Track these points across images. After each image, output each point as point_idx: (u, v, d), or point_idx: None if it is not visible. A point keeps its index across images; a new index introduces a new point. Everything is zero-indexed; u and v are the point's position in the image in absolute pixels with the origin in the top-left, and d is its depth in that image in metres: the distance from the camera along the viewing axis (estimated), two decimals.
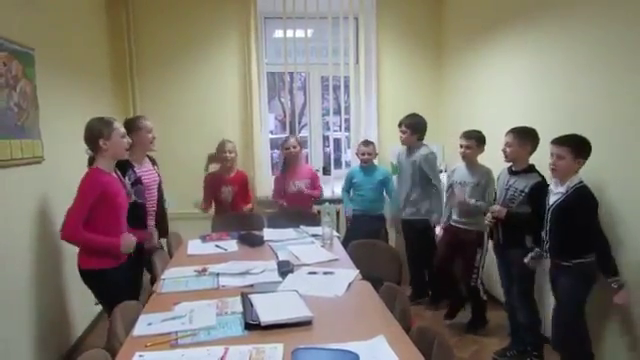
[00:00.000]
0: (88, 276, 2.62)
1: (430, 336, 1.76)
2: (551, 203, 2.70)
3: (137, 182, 3.07)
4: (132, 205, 2.88)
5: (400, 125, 4.08)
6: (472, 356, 3.29)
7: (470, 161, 3.52)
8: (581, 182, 2.59)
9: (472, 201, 3.39)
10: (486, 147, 3.46)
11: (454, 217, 3.63)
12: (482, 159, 3.54)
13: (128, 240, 2.64)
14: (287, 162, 4.32)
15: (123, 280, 2.66)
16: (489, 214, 3.12)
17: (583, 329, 2.68)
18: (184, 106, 4.93)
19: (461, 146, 3.50)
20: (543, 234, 2.77)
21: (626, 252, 2.64)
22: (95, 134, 2.55)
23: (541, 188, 2.88)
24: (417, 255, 4.17)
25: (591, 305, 2.69)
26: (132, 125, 3.17)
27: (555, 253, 2.71)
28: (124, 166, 2.93)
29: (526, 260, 2.91)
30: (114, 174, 2.69)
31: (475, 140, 3.46)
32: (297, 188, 4.25)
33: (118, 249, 2.59)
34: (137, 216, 2.97)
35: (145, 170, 3.23)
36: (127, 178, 2.99)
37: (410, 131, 4.03)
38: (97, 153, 2.59)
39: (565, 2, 3.11)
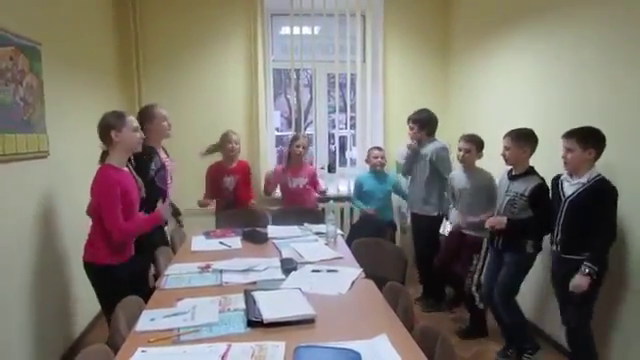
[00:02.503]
0: (92, 270, 2.63)
1: (433, 336, 1.74)
2: (568, 194, 2.66)
3: (162, 168, 3.13)
4: (154, 191, 2.96)
5: (408, 121, 4.05)
6: (474, 356, 3.28)
7: (468, 166, 3.49)
8: (600, 175, 2.56)
9: (475, 219, 3.37)
10: (493, 148, 3.43)
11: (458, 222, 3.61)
12: (489, 160, 3.51)
13: (164, 208, 2.80)
14: (291, 159, 4.32)
15: (127, 277, 2.65)
16: (487, 221, 3.10)
17: (589, 329, 2.67)
18: (190, 102, 4.93)
19: (460, 149, 3.47)
20: (555, 228, 2.74)
21: (632, 250, 2.63)
22: (107, 126, 2.57)
23: (542, 191, 2.87)
24: (426, 252, 4.06)
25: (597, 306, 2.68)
26: (146, 114, 3.21)
27: (567, 246, 2.67)
28: (150, 152, 2.97)
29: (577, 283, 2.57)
30: (125, 169, 2.70)
31: (475, 144, 3.43)
32: (295, 185, 4.26)
33: (161, 218, 2.76)
34: (157, 202, 3.00)
35: (163, 159, 3.26)
36: (153, 164, 3.06)
37: (417, 127, 3.99)
38: (109, 146, 2.60)
39: (572, 1, 3.08)
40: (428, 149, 3.96)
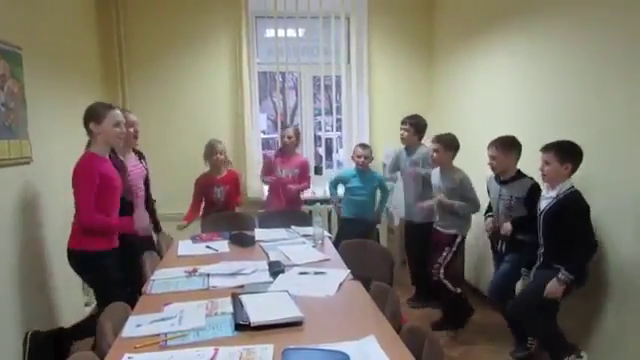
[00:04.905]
0: (80, 258, 2.64)
1: (420, 335, 1.75)
2: (542, 208, 2.73)
3: (121, 166, 3.07)
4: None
5: (404, 123, 4.01)
6: (462, 355, 3.29)
7: (442, 165, 3.53)
8: (572, 187, 2.61)
9: (448, 201, 3.42)
10: (478, 148, 3.46)
11: (436, 218, 3.65)
12: (473, 161, 3.53)
13: (141, 217, 2.75)
14: (282, 149, 4.37)
15: (116, 264, 2.70)
16: (488, 222, 3.18)
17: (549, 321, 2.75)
18: (174, 106, 4.90)
19: (432, 150, 3.53)
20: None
21: (611, 255, 2.68)
22: (88, 117, 2.63)
23: (537, 190, 2.92)
24: (418, 257, 4.07)
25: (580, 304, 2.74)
26: None
27: (549, 258, 2.73)
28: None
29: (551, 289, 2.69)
30: (107, 158, 2.72)
31: (442, 144, 3.45)
32: (284, 175, 4.28)
33: (132, 225, 2.69)
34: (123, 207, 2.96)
35: (130, 165, 3.22)
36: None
37: (413, 130, 3.97)
38: (91, 136, 2.66)
39: (555, 3, 3.12)
40: (418, 153, 3.97)
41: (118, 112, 2.69)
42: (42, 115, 3.20)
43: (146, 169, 3.41)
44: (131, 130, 3.21)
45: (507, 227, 3.00)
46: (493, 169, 3.09)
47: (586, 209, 2.58)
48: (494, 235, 3.20)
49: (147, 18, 4.79)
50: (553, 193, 2.66)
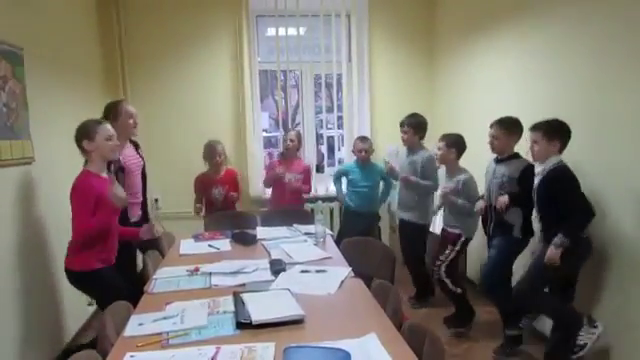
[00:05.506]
0: (77, 277, 2.65)
1: (421, 333, 1.76)
2: (535, 186, 2.76)
3: (121, 170, 3.11)
4: None
5: (402, 125, 3.96)
6: (464, 352, 3.30)
7: (446, 164, 3.53)
8: (560, 162, 2.64)
9: (453, 197, 3.41)
10: (479, 146, 3.45)
11: (429, 219, 3.66)
12: (474, 159, 3.52)
13: (146, 230, 2.84)
14: (284, 154, 4.36)
15: (115, 274, 2.71)
16: (479, 204, 3.20)
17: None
18: (176, 105, 4.91)
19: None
20: (535, 218, 2.82)
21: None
22: (79, 135, 2.61)
23: (531, 171, 2.93)
24: (413, 256, 4.09)
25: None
26: (112, 110, 3.17)
27: (547, 235, 2.72)
28: None
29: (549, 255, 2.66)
30: (104, 175, 2.71)
31: (445, 141, 3.45)
32: (287, 180, 4.26)
33: (138, 237, 2.82)
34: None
35: (128, 155, 3.24)
36: (112, 165, 2.99)
37: (413, 131, 3.92)
38: (85, 155, 2.64)
39: (556, 0, 3.11)
40: (419, 156, 3.92)
41: (109, 126, 2.68)
42: (44, 115, 3.21)
43: (142, 158, 3.43)
44: (130, 121, 3.23)
45: (502, 200, 2.97)
46: (493, 148, 3.11)
47: (573, 180, 2.60)
48: (485, 216, 3.21)
49: (148, 18, 4.80)
50: (540, 169, 2.71)
